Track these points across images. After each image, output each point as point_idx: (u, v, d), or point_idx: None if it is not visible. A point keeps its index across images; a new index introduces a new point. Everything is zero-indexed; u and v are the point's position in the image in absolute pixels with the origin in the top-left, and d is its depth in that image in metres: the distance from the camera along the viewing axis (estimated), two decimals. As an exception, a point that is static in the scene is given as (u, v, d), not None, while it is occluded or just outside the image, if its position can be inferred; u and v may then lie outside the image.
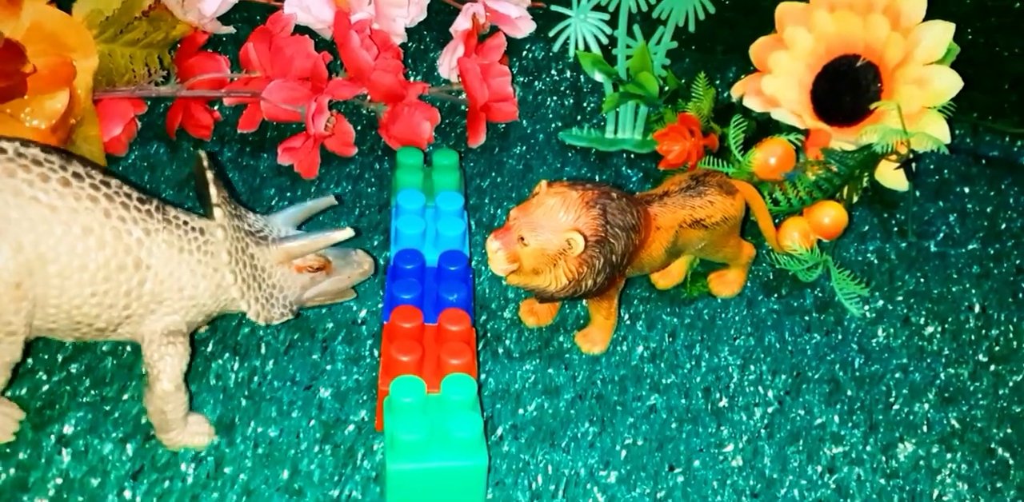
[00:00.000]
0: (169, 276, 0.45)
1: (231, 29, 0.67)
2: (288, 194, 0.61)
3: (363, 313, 0.54)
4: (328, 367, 0.51)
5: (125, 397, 0.48)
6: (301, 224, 0.51)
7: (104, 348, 0.50)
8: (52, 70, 0.55)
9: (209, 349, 0.51)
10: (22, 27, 0.55)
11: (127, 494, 0.44)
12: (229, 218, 0.46)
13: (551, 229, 0.46)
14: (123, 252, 0.43)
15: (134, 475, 0.45)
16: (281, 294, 0.49)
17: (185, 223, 0.46)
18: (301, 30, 0.66)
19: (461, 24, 0.67)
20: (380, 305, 0.55)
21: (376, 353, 0.52)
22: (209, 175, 0.46)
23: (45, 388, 0.48)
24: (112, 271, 0.43)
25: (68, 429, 0.47)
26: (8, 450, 0.45)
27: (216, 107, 0.66)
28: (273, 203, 0.61)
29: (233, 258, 0.46)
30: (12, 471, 0.44)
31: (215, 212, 0.45)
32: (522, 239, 0.46)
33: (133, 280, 0.44)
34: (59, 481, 0.44)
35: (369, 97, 0.64)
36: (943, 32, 0.60)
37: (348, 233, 0.49)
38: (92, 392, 0.48)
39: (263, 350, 0.52)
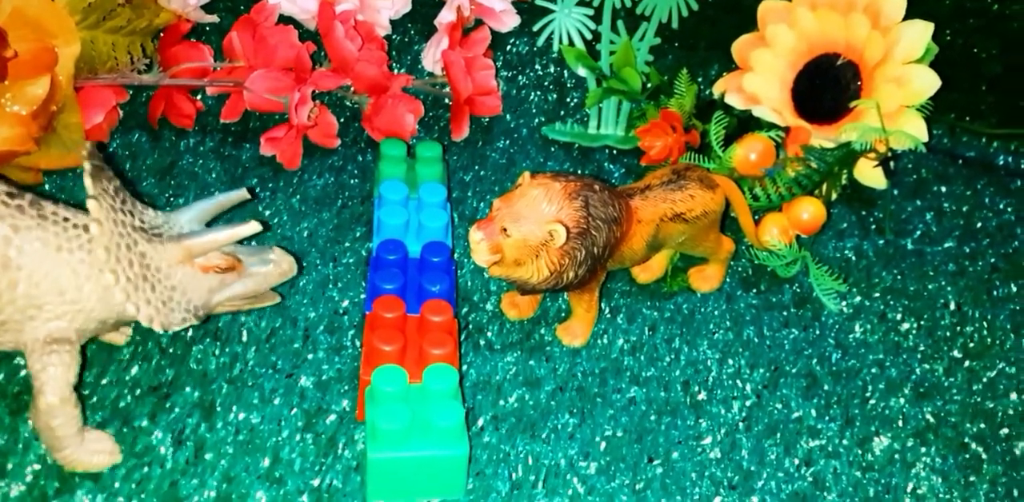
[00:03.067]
0: (46, 278, 0.41)
1: (215, 18, 0.67)
2: (270, 184, 0.61)
3: (345, 303, 0.54)
4: (310, 356, 0.51)
5: (103, 382, 0.48)
6: (211, 222, 0.47)
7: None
8: (33, 56, 0.55)
9: (190, 334, 0.51)
10: (3, 12, 0.54)
11: (105, 479, 0.44)
12: (110, 212, 0.42)
13: (533, 220, 0.46)
14: None
15: (112, 462, 0.45)
16: (183, 297, 0.44)
17: (65, 220, 0.42)
18: (285, 20, 0.66)
19: (446, 16, 0.67)
20: (362, 295, 0.55)
21: (358, 343, 0.52)
22: (86, 166, 0.42)
23: (22, 373, 0.48)
24: None
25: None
26: (-15, 437, 0.45)
27: (199, 96, 0.66)
28: (255, 193, 0.60)
29: (113, 255, 0.41)
30: (-11, 458, 0.44)
31: (89, 205, 0.41)
32: (505, 230, 0.47)
33: (1, 283, 0.40)
34: (36, 467, 0.44)
35: (353, 88, 0.64)
36: (922, 32, 0.60)
37: (254, 227, 0.45)
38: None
39: (244, 337, 0.51)
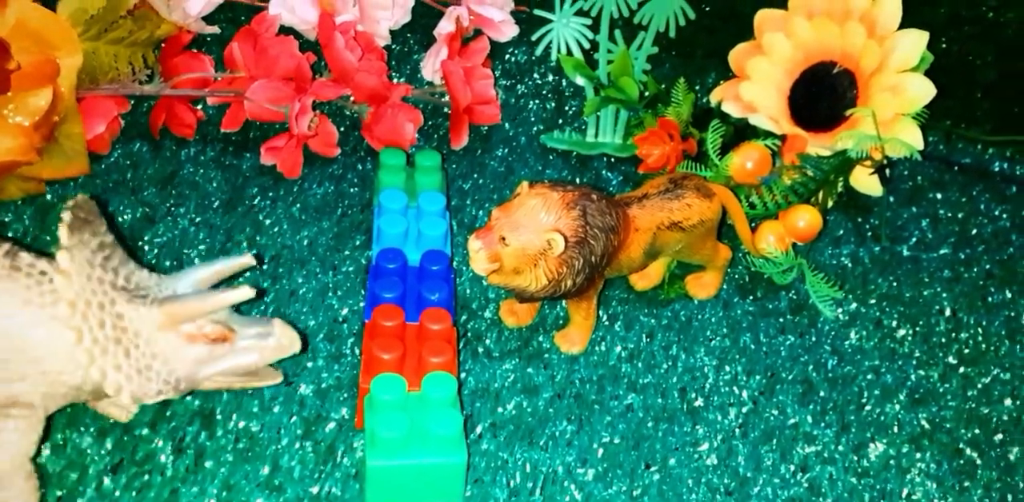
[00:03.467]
0: (8, 333, 0.38)
1: (215, 29, 0.67)
2: (271, 193, 0.62)
3: (345, 311, 0.55)
4: (309, 364, 0.52)
5: (106, 393, 0.48)
6: (215, 287, 0.43)
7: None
8: (36, 67, 0.55)
9: (191, 346, 0.51)
10: (7, 24, 0.55)
11: (106, 487, 0.44)
12: (84, 266, 0.39)
13: (532, 229, 0.47)
14: None
15: (113, 468, 0.45)
16: (163, 367, 0.40)
17: (42, 273, 0.39)
18: (286, 31, 0.67)
19: (445, 27, 0.67)
20: (362, 304, 0.55)
21: (357, 351, 0.52)
22: (66, 217, 0.39)
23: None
24: None
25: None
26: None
27: (199, 106, 0.66)
28: (256, 202, 0.61)
29: (79, 312, 0.37)
30: (-8, 466, 0.44)
31: (59, 257, 0.38)
32: (503, 239, 0.47)
33: None
34: (38, 475, 0.44)
35: (352, 98, 0.65)
36: (917, 40, 0.61)
37: (246, 293, 0.41)
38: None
39: (244, 347, 0.52)
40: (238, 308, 0.44)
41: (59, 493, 0.44)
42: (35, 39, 0.56)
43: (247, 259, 0.44)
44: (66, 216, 0.39)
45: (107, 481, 0.45)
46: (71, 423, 0.47)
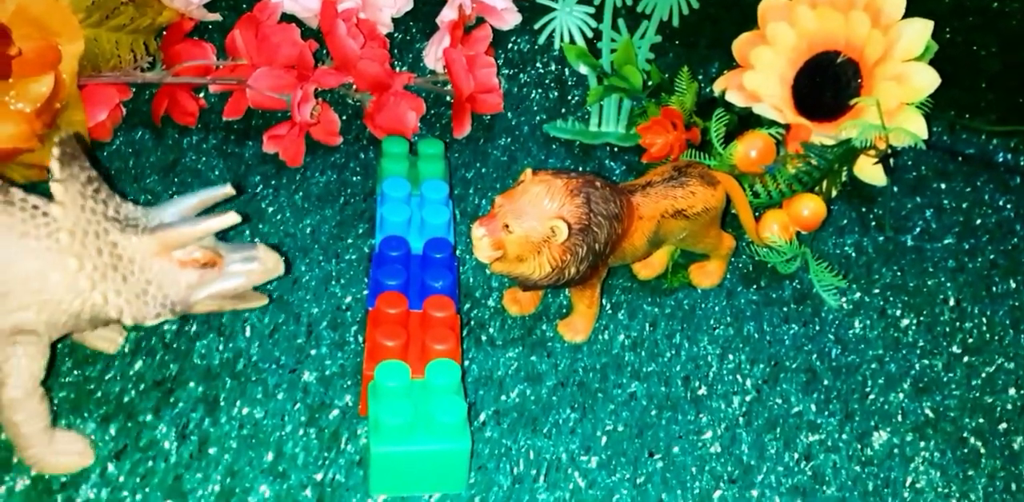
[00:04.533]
0: (9, 265, 0.39)
1: (217, 16, 0.67)
2: (273, 181, 0.62)
3: (348, 299, 0.55)
4: (313, 351, 0.51)
5: (107, 377, 0.48)
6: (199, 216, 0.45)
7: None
8: (37, 54, 0.55)
9: (194, 329, 0.51)
10: (7, 10, 0.55)
11: (110, 473, 0.44)
12: (78, 198, 0.41)
13: (535, 217, 0.47)
14: None
15: (117, 454, 0.45)
16: (159, 291, 0.43)
17: (35, 207, 0.40)
18: (287, 18, 0.67)
19: (447, 15, 0.67)
20: (365, 291, 0.55)
21: (360, 339, 0.52)
22: (55, 151, 0.41)
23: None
24: None
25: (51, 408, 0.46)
26: (-10, 431, 0.45)
27: (201, 94, 0.66)
28: (259, 190, 0.61)
29: (78, 241, 0.40)
30: (-6, 452, 0.44)
31: (53, 188, 0.40)
32: (507, 226, 0.47)
33: None
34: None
35: (355, 86, 0.64)
36: (922, 30, 0.61)
37: (232, 218, 0.43)
38: (75, 372, 0.48)
39: (248, 332, 0.52)
40: (224, 237, 0.46)
41: (64, 479, 0.44)
42: (36, 25, 0.55)
43: (227, 189, 0.45)
44: (55, 151, 0.40)
45: (111, 467, 0.45)
46: (75, 409, 0.47)
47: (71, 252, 0.40)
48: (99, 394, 0.48)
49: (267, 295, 0.47)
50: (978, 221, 0.66)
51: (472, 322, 0.55)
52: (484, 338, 0.54)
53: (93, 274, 0.40)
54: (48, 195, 0.41)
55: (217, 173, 0.62)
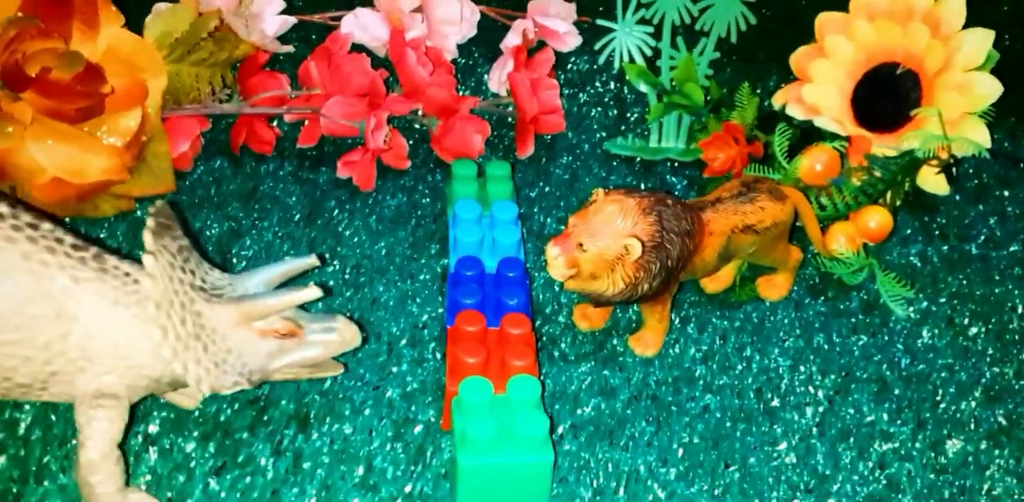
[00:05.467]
0: (100, 331, 0.41)
1: (290, 48, 0.70)
2: (347, 206, 0.64)
3: (424, 317, 0.57)
4: (394, 369, 0.53)
5: (204, 397, 0.51)
6: (281, 286, 0.46)
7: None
8: (126, 90, 0.58)
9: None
10: (99, 50, 0.58)
11: (212, 489, 0.47)
12: (167, 268, 0.42)
13: (609, 235, 0.48)
14: (42, 299, 0.40)
15: (217, 471, 0.47)
16: (238, 360, 0.44)
17: (126, 275, 0.42)
18: (357, 48, 0.69)
19: (511, 40, 0.69)
20: (440, 310, 0.57)
21: (438, 356, 0.54)
22: (149, 222, 0.42)
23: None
24: (27, 319, 0.40)
25: (153, 429, 0.49)
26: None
27: (275, 123, 0.69)
28: (335, 215, 0.63)
29: (164, 311, 0.41)
30: (105, 469, 0.46)
31: (145, 260, 0.41)
32: (581, 245, 0.49)
33: (54, 332, 0.41)
34: (148, 477, 0.47)
35: (422, 111, 0.67)
36: (983, 39, 0.61)
37: (314, 292, 0.44)
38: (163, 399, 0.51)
39: (334, 353, 0.54)
40: (306, 307, 0.47)
41: (169, 494, 0.46)
42: (125, 63, 0.58)
43: (312, 260, 0.47)
44: (150, 222, 0.42)
45: (213, 483, 0.47)
46: (175, 429, 0.49)
47: (157, 323, 0.41)
48: (197, 414, 0.50)
49: (343, 364, 0.49)
50: (1044, 227, 0.66)
51: (544, 338, 0.56)
52: (557, 354, 0.55)
53: (176, 344, 0.41)
54: (134, 238, 0.44)
55: (294, 199, 0.64)
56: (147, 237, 0.42)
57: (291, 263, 0.47)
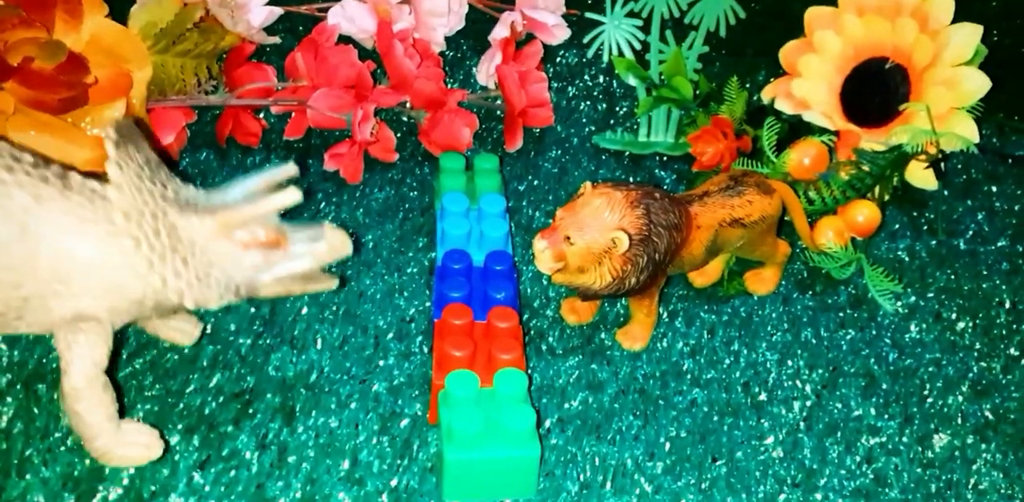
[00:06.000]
0: (70, 250, 0.39)
1: (277, 39, 0.69)
2: (334, 198, 0.63)
3: (411, 311, 0.56)
4: (381, 362, 0.53)
5: (188, 390, 0.50)
6: None
7: (166, 343, 0.52)
8: (110, 81, 0.58)
9: (267, 342, 0.53)
10: (82, 40, 0.57)
11: (196, 483, 0.46)
12: (134, 178, 0.39)
13: (597, 228, 0.48)
14: (2, 219, 0.38)
15: (201, 465, 0.47)
16: (222, 274, 0.41)
17: (92, 191, 0.40)
18: (345, 40, 0.69)
19: (499, 32, 0.69)
20: (427, 303, 0.57)
21: (425, 349, 0.54)
22: (109, 132, 0.40)
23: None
24: None
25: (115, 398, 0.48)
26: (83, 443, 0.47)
27: (262, 115, 0.68)
28: (321, 207, 0.63)
29: (133, 222, 0.38)
30: (88, 462, 0.46)
31: (109, 170, 0.39)
32: (568, 238, 0.48)
33: (20, 252, 0.38)
34: (131, 471, 0.46)
35: (410, 104, 0.66)
36: (971, 34, 0.61)
37: (294, 195, 0.42)
38: (157, 386, 0.50)
39: (319, 344, 0.53)
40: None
41: (153, 488, 0.46)
42: (108, 53, 0.58)
43: (290, 168, 0.44)
44: (110, 132, 0.40)
45: (197, 477, 0.46)
46: (159, 421, 0.48)
47: (128, 233, 0.39)
48: (181, 406, 0.50)
49: (336, 276, 0.46)
50: (1031, 223, 0.67)
51: (532, 332, 0.56)
52: (544, 347, 0.55)
53: (151, 255, 0.39)
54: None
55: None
56: (108, 147, 0.39)
57: (268, 174, 0.44)
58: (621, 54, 0.68)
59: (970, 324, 0.59)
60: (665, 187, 0.67)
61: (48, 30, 0.56)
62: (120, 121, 0.41)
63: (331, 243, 0.44)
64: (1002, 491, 0.50)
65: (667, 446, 0.50)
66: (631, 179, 0.67)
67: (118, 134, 0.40)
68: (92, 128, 0.58)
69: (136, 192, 0.39)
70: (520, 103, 0.66)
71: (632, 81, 0.68)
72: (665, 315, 0.57)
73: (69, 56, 0.55)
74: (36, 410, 0.48)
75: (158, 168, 0.42)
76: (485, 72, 0.71)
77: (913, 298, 0.60)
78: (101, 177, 0.42)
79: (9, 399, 0.49)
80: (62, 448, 0.47)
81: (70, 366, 0.40)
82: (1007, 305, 0.60)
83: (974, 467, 0.51)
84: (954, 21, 0.62)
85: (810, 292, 0.60)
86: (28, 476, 0.46)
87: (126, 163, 0.40)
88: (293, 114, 0.66)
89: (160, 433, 0.46)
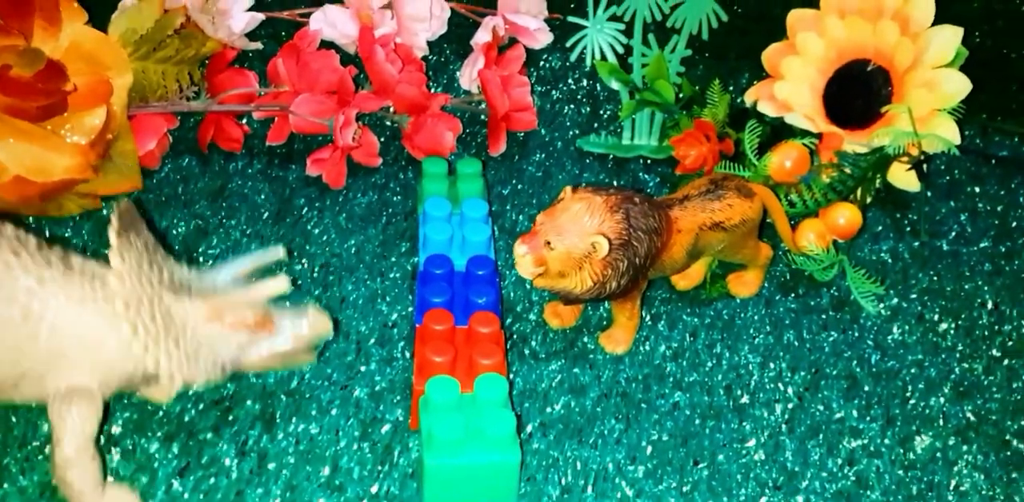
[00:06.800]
0: (68, 329, 0.41)
1: (258, 45, 0.69)
2: (317, 204, 0.63)
3: (394, 316, 0.56)
4: (363, 368, 0.53)
5: (168, 399, 0.50)
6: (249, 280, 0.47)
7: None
8: (90, 88, 0.58)
9: (248, 352, 0.53)
10: (61, 47, 0.57)
11: (175, 490, 0.46)
12: (134, 266, 0.42)
13: (577, 233, 0.48)
14: (6, 301, 0.40)
15: (180, 472, 0.47)
16: (210, 353, 0.44)
17: (92, 275, 0.43)
18: (326, 45, 0.69)
19: (481, 37, 0.69)
20: (410, 308, 0.57)
21: (407, 355, 0.54)
22: (113, 221, 0.42)
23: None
24: None
25: (116, 429, 0.49)
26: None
27: (244, 121, 0.68)
28: (304, 212, 0.63)
29: (133, 309, 0.41)
30: (66, 471, 0.46)
31: (111, 259, 0.41)
32: (548, 243, 0.48)
33: (21, 334, 0.41)
34: (110, 479, 0.46)
35: (393, 109, 0.66)
36: (952, 36, 0.61)
37: (282, 284, 0.45)
38: (136, 394, 0.50)
39: (300, 352, 0.53)
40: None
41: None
42: (88, 60, 0.58)
43: (278, 252, 0.48)
44: (114, 220, 0.42)
45: (176, 484, 0.46)
46: (138, 429, 0.48)
47: (127, 320, 0.41)
48: (160, 414, 0.49)
49: (315, 353, 0.49)
50: (1014, 223, 0.67)
51: (515, 336, 0.56)
52: (527, 351, 0.55)
53: (146, 339, 0.41)
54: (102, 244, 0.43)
55: (263, 197, 0.64)
56: (112, 235, 0.42)
57: (257, 256, 0.47)
58: (604, 58, 0.68)
59: (952, 325, 0.59)
60: (649, 190, 0.67)
61: (26, 37, 0.56)
62: (122, 205, 0.43)
63: (313, 325, 0.47)
64: (983, 492, 0.50)
65: (649, 450, 0.50)
66: (615, 182, 0.67)
67: (120, 222, 0.42)
68: (72, 135, 0.58)
69: (135, 279, 0.42)
70: (503, 107, 0.66)
71: (615, 85, 0.68)
72: (648, 318, 0.57)
73: (48, 63, 0.55)
74: (14, 419, 0.48)
75: (155, 251, 0.45)
76: (468, 76, 0.71)
77: (895, 300, 0.60)
78: (98, 260, 0.44)
79: (-12, 408, 0.49)
80: (40, 457, 0.46)
81: (62, 437, 0.42)
82: (989, 306, 0.60)
83: (955, 468, 0.51)
84: (935, 23, 0.62)
85: (793, 294, 0.60)
86: (6, 485, 0.45)
87: (128, 251, 0.42)
88: (275, 119, 0.66)
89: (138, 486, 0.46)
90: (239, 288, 0.45)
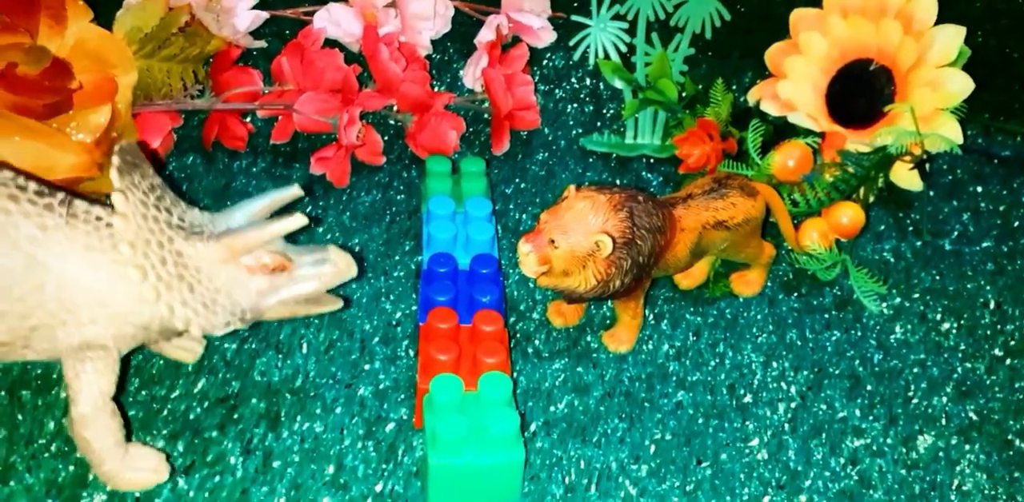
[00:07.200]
0: (76, 279, 0.39)
1: (263, 43, 0.69)
2: (321, 202, 0.64)
3: (398, 315, 0.56)
4: (367, 366, 0.53)
5: (174, 396, 0.50)
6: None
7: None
8: (96, 86, 0.58)
9: (252, 347, 0.53)
10: (67, 45, 0.57)
11: (181, 488, 0.46)
12: (139, 207, 0.40)
13: (580, 232, 0.48)
14: (8, 250, 0.38)
15: (186, 470, 0.47)
16: (228, 300, 0.42)
17: (98, 219, 0.40)
18: (331, 44, 0.69)
19: (485, 35, 0.69)
20: (414, 307, 0.57)
21: (411, 353, 0.54)
22: (115, 160, 0.40)
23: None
24: None
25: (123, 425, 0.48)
26: (67, 449, 0.47)
27: (248, 119, 0.68)
28: (307, 211, 0.63)
29: (140, 251, 0.39)
30: (72, 468, 0.46)
31: (115, 199, 0.39)
32: (552, 242, 0.48)
33: (26, 283, 0.39)
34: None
35: (396, 107, 0.66)
36: (955, 36, 0.61)
37: (300, 220, 0.42)
38: (142, 392, 0.50)
39: (305, 349, 0.54)
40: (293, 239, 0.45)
41: (137, 494, 0.46)
42: (93, 58, 0.58)
43: (295, 190, 0.45)
44: (115, 160, 0.40)
45: (181, 482, 0.46)
46: (144, 427, 0.49)
47: (133, 263, 0.39)
48: (166, 412, 0.50)
49: (341, 297, 0.46)
50: (1016, 223, 0.67)
51: (518, 335, 0.56)
52: (531, 350, 0.55)
53: (158, 284, 0.39)
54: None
55: (267, 195, 0.64)
56: (114, 175, 0.39)
57: (273, 195, 0.44)
58: (607, 57, 0.68)
59: (955, 325, 0.59)
60: (652, 189, 0.67)
61: (32, 35, 0.56)
62: (124, 145, 0.41)
63: (336, 265, 0.44)
64: (986, 492, 0.50)
65: (652, 449, 0.50)
66: (618, 181, 0.67)
67: (122, 160, 0.40)
68: (77, 133, 0.58)
69: (142, 221, 0.40)
70: (507, 106, 0.66)
71: (618, 84, 0.68)
72: (651, 317, 0.58)
73: (53, 61, 0.55)
74: (20, 416, 0.48)
75: (163, 193, 0.42)
76: (471, 75, 0.71)
77: (898, 299, 0.60)
78: (106, 202, 0.42)
79: (-6, 405, 0.49)
80: (46, 454, 0.47)
81: (78, 395, 0.40)
82: (992, 306, 0.61)
83: (958, 468, 0.51)
84: (938, 22, 0.62)
85: (795, 294, 0.60)
86: (12, 482, 0.46)
87: (131, 191, 0.40)
88: (279, 118, 0.66)
89: (167, 456, 0.46)
90: (253, 226, 0.42)
